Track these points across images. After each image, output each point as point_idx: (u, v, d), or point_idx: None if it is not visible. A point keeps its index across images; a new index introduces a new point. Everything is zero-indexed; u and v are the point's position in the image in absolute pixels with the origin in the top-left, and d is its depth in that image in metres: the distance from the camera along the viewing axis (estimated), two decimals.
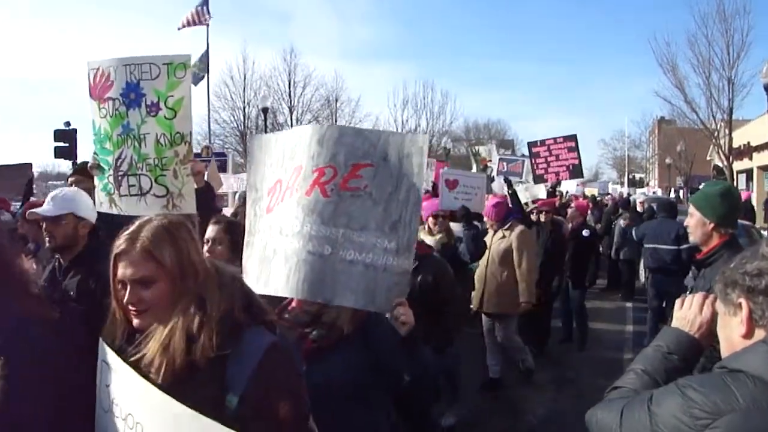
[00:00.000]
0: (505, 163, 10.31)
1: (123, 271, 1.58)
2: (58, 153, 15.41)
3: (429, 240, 4.97)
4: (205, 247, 2.95)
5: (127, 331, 1.63)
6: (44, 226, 3.11)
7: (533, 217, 7.44)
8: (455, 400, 4.50)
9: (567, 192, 13.59)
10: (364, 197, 2.19)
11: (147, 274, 1.57)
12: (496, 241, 5.98)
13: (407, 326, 2.16)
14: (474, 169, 11.13)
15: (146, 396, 1.45)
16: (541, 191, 9.22)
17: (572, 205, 8.55)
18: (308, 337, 2.23)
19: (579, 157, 8.64)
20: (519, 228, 6.04)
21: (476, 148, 16.53)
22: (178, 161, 3.58)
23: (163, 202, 3.59)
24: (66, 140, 15.26)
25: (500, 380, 6.22)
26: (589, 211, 10.25)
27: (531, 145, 8.98)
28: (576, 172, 8.74)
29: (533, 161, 8.88)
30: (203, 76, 19.29)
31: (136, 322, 1.59)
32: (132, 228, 1.63)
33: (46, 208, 3.23)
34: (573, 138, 8.65)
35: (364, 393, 2.23)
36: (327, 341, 2.23)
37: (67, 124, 15.36)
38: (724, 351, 1.42)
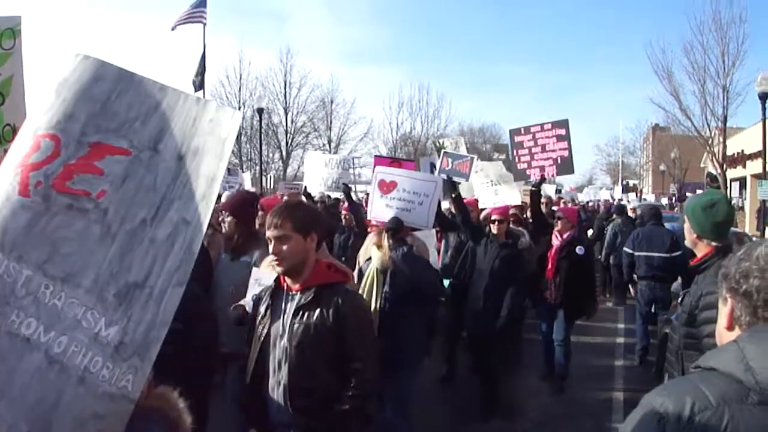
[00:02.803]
0: (449, 160, 7.97)
1: None
2: None
3: (376, 258, 3.92)
4: None
5: None
6: None
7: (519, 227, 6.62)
8: None
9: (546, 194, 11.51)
10: (90, 215, 1.18)
11: None
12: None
13: None
14: (437, 168, 8.22)
15: None
16: (516, 197, 7.70)
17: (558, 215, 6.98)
18: None
19: (570, 149, 6.87)
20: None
21: (441, 140, 12.71)
22: None
23: None
24: None
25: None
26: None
27: (513, 132, 7.19)
28: (565, 166, 6.88)
29: (515, 152, 7.23)
30: (201, 80, 19.05)
31: None
32: None
33: None
34: (563, 124, 6.87)
35: None
36: None
37: None
38: (717, 341, 1.44)
